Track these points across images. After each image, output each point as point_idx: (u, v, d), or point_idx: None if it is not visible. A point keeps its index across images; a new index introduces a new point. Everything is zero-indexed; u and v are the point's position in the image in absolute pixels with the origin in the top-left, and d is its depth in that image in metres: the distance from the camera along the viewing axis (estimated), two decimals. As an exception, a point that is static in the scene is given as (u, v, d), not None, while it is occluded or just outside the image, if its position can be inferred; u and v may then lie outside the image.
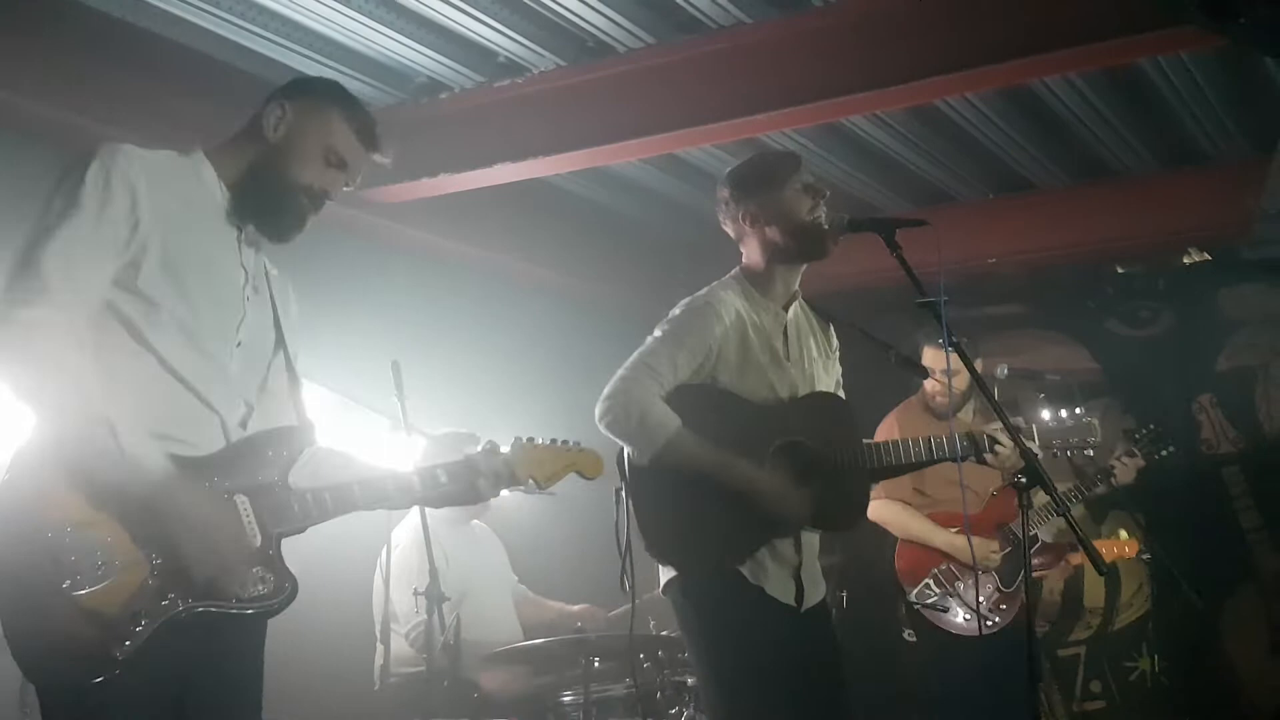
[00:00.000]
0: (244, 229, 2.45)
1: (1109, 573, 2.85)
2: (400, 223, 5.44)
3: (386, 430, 4.05)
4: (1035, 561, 4.60)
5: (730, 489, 3.01)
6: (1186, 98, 5.09)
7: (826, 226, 3.12)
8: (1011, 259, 6.18)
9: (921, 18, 4.27)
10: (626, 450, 3.10)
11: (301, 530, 2.35)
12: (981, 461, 3.18)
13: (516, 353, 5.77)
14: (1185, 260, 6.15)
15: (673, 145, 5.04)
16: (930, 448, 3.15)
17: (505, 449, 2.65)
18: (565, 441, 2.74)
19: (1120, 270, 6.45)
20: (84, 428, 2.12)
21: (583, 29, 4.45)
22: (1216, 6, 3.50)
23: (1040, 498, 4.04)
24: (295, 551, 2.35)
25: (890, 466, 3.20)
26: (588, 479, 2.77)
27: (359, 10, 4.19)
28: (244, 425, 2.37)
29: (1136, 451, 4.68)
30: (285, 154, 2.42)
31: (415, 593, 4.26)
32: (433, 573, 4.09)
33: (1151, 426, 4.86)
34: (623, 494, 3.10)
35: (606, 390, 3.08)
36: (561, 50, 4.60)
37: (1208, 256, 6.12)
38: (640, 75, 4.63)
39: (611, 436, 3.07)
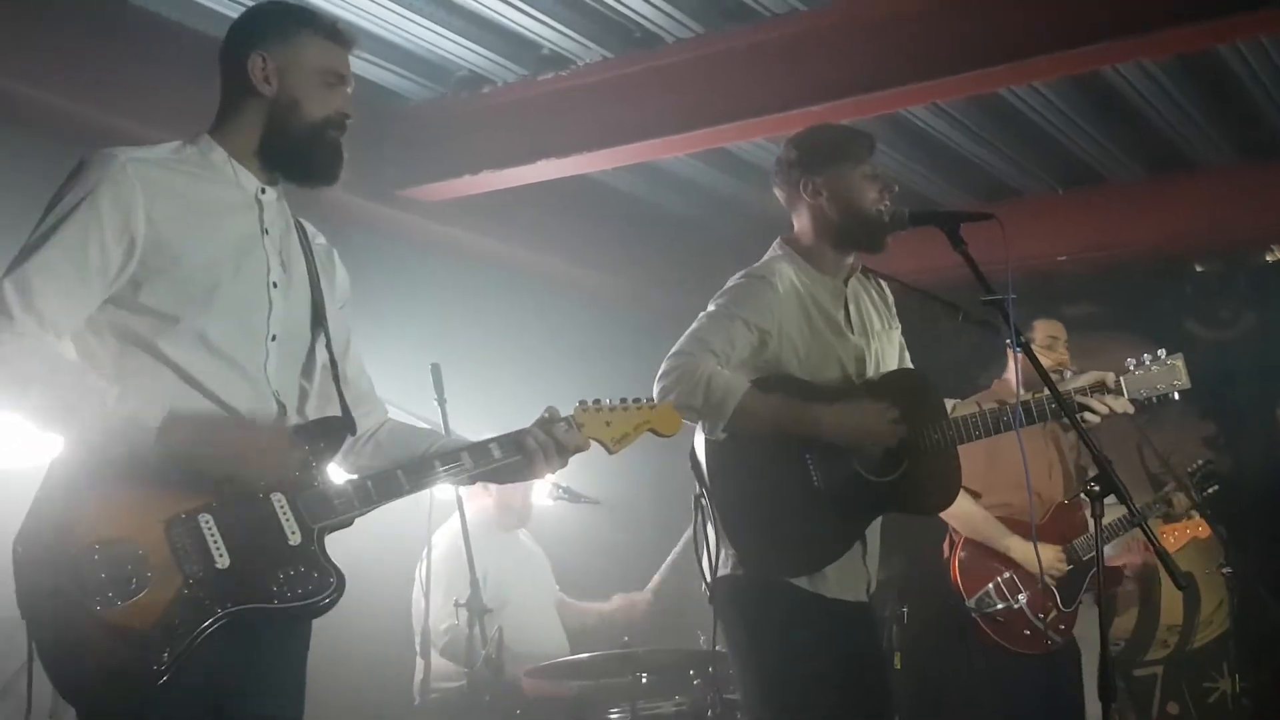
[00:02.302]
0: (265, 207, 2.36)
1: (1188, 587, 2.78)
2: (440, 222, 5.41)
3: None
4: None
5: (814, 435, 2.95)
6: (1268, 85, 4.95)
7: (887, 220, 3.06)
8: (1082, 257, 6.06)
9: (985, 1, 4.17)
10: (699, 450, 3.00)
11: (347, 524, 2.28)
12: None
13: (561, 355, 5.72)
14: (1267, 258, 6.00)
15: (723, 139, 4.98)
16: (1030, 411, 3.09)
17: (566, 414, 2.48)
18: (637, 399, 2.55)
19: (1198, 268, 6.31)
20: (72, 410, 2.10)
21: (629, 19, 4.40)
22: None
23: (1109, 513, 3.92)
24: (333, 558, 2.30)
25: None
26: (664, 436, 2.56)
27: (397, 1, 4.15)
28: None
29: (1190, 487, 4.74)
30: (291, 101, 2.34)
31: (456, 604, 4.24)
32: (473, 583, 4.08)
33: (1201, 463, 4.88)
34: (703, 502, 3.00)
35: (662, 367, 2.97)
36: (607, 41, 4.57)
37: (1292, 253, 6.04)
38: (689, 66, 4.58)
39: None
